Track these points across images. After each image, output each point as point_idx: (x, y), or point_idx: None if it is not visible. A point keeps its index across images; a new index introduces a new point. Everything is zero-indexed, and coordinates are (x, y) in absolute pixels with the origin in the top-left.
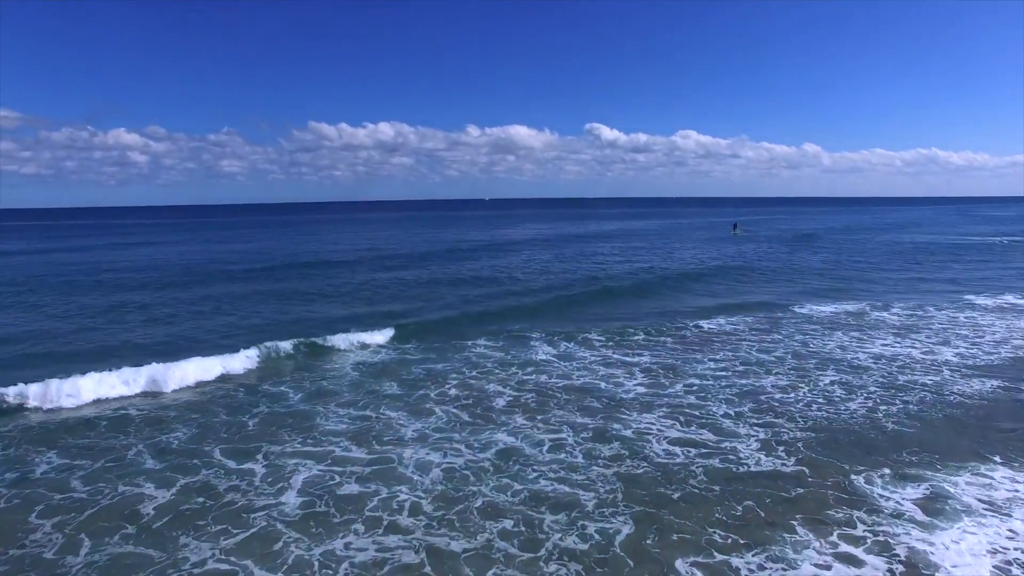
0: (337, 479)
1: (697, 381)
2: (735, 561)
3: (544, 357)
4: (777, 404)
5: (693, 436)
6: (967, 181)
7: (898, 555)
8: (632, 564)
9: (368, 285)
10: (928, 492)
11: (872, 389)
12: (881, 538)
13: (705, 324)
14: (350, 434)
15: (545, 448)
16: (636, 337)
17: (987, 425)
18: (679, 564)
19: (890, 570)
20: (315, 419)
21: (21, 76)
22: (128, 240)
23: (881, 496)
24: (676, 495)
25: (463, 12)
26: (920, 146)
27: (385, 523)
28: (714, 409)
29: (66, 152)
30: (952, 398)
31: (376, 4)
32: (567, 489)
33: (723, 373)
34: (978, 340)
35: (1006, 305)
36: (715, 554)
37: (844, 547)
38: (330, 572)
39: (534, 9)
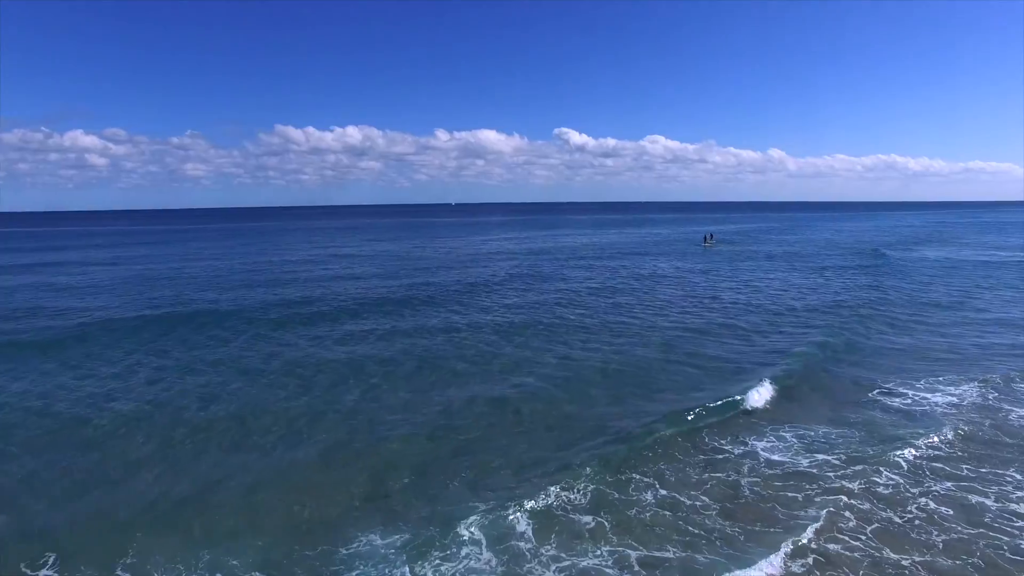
0: None
1: None
2: None
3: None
4: None
5: None
6: (924, 186)
7: None
8: None
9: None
10: None
11: None
12: None
13: (750, 441)
14: None
15: None
16: (633, 468)
17: None
18: None
19: None
20: None
21: None
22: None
23: None
24: None
25: (431, 15)
26: (880, 152)
27: None
28: None
29: (19, 154)
30: None
31: (343, 7)
32: None
33: None
34: None
35: None
36: None
37: None
38: None
39: (502, 13)
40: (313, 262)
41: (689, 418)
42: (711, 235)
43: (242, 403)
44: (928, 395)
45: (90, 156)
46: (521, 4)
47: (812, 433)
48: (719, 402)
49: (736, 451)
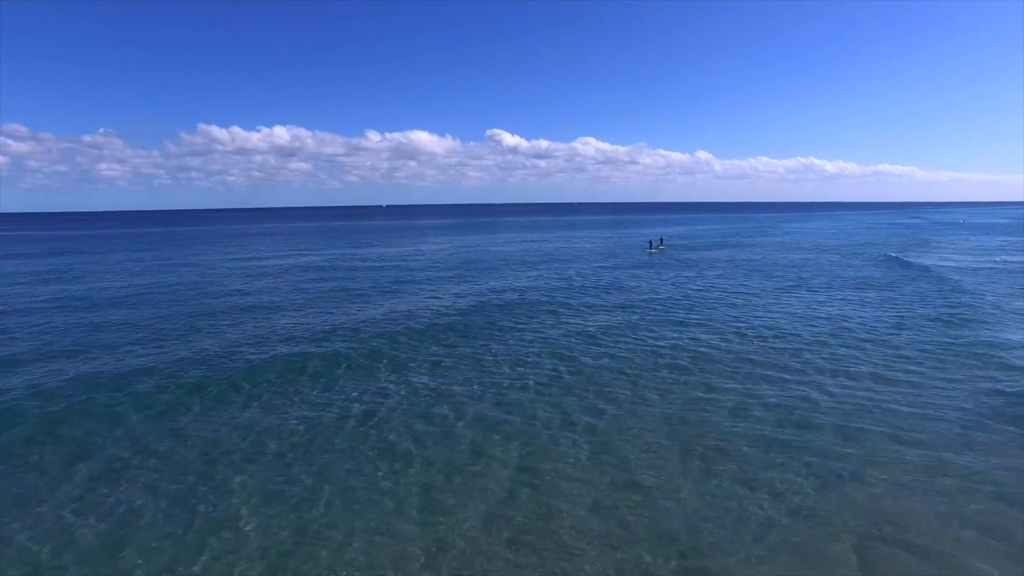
0: None
1: None
2: None
3: None
4: None
5: None
6: (839, 187)
7: None
8: None
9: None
10: None
11: None
12: None
13: None
14: None
15: None
16: None
17: None
18: None
19: None
20: None
21: None
22: None
23: None
24: None
25: (357, 13)
26: (800, 154)
27: None
28: None
29: None
30: None
31: (267, 3)
32: None
33: None
34: None
35: None
36: None
37: None
38: None
39: (431, 13)
40: (224, 286)
41: None
42: (661, 240)
43: None
44: None
45: None
46: (449, 4)
47: None
48: None
49: None
